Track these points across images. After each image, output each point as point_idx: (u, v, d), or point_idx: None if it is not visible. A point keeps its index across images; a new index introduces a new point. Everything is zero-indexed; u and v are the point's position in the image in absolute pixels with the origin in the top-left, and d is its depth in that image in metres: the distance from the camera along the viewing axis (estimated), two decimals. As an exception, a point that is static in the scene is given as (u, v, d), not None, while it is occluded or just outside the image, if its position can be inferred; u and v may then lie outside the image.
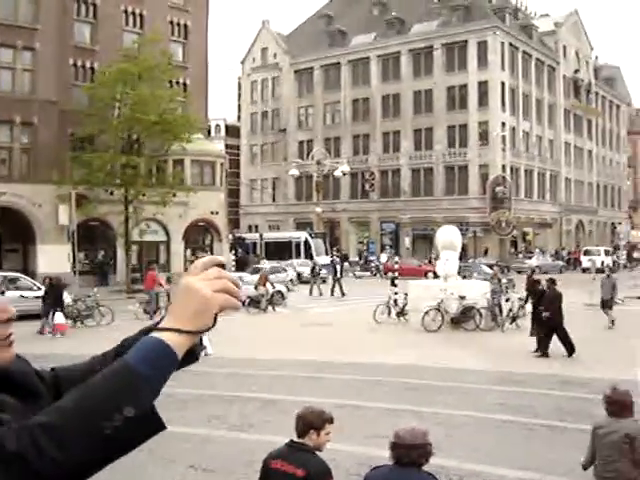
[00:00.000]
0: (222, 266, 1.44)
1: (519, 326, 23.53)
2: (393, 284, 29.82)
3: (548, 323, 18.06)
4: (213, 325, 1.38)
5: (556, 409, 11.58)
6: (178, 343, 1.32)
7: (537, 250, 66.06)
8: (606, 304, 23.97)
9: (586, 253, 62.36)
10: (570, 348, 17.83)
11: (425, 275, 44.55)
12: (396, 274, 31.18)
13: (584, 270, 55.55)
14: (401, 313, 25.45)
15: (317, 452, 4.99)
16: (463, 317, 23.42)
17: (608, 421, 7.40)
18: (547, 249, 69.51)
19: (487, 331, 22.47)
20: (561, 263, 61.27)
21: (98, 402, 1.23)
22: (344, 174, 55.54)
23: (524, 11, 79.30)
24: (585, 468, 7.37)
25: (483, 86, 66.13)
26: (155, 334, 1.33)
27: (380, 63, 72.19)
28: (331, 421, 5.14)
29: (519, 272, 50.30)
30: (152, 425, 1.26)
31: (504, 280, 29.01)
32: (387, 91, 71.51)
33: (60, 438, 1.20)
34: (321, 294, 36.23)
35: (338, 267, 38.49)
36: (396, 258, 37.92)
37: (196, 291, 1.36)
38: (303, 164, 59.32)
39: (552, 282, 19.62)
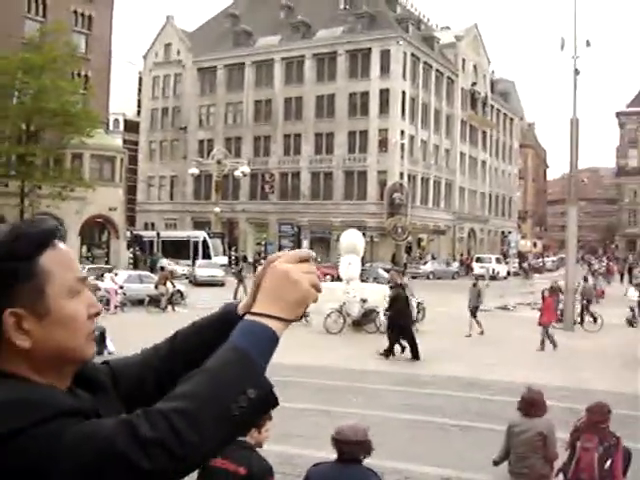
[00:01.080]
0: (307, 259, 1.52)
1: (417, 330, 24.14)
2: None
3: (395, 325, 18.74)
4: (302, 316, 1.49)
5: (463, 409, 12.01)
6: (279, 329, 1.41)
7: (429, 256, 67.74)
8: (472, 311, 24.27)
9: (478, 260, 64.42)
10: (415, 352, 18.39)
11: (324, 276, 44.87)
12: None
13: (476, 277, 57.18)
14: (303, 315, 25.62)
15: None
16: (364, 320, 23.82)
17: (522, 420, 7.78)
18: (440, 255, 71.40)
19: (373, 333, 22.83)
20: (454, 269, 62.90)
21: (225, 386, 1.31)
22: (244, 175, 55.33)
23: (426, 23, 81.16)
24: (497, 464, 7.72)
25: (384, 94, 67.22)
26: (257, 319, 1.41)
27: (284, 66, 72.46)
28: (270, 418, 5.23)
29: (414, 277, 51.38)
30: (270, 403, 1.36)
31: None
32: (290, 94, 71.87)
33: (196, 422, 1.26)
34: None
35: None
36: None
37: (298, 283, 1.44)
38: (203, 163, 58.80)
39: (398, 286, 20.31)
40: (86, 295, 1.50)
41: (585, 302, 29.09)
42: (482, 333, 23.64)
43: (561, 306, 27.14)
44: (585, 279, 32.36)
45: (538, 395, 7.86)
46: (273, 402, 1.36)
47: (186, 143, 77.04)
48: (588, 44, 26.31)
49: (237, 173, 53.49)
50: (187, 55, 77.87)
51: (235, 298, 32.63)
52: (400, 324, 18.63)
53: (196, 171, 55.45)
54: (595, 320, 26.84)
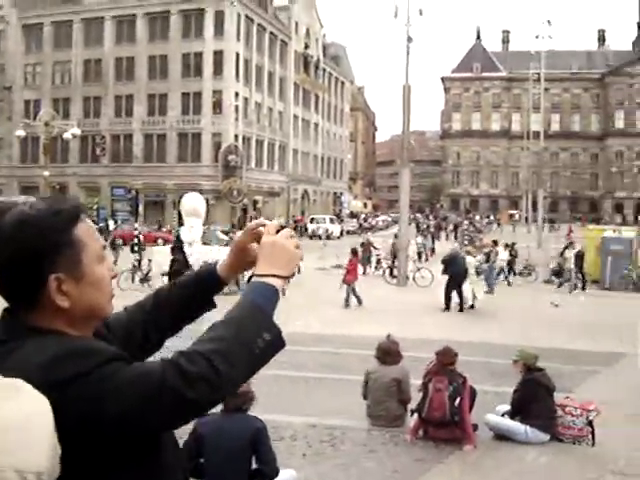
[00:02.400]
0: (283, 227, 1.94)
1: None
2: (133, 251, 29.90)
3: None
4: (294, 274, 1.88)
5: (317, 363, 12.70)
6: (279, 284, 1.79)
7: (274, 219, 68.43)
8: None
9: (312, 221, 65.91)
10: None
11: (155, 241, 43.90)
12: (136, 240, 31.30)
13: (311, 237, 58.62)
14: (145, 279, 25.53)
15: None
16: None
17: (379, 367, 8.49)
18: (281, 216, 72.23)
19: (231, 295, 23.14)
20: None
21: (247, 332, 1.65)
22: (74, 137, 53.36)
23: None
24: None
25: (218, 55, 66.48)
26: (262, 279, 1.78)
27: (115, 24, 70.01)
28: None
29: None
30: (280, 344, 1.71)
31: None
32: (121, 54, 69.58)
33: (228, 359, 1.59)
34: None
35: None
36: (136, 224, 37.69)
37: (286, 247, 1.84)
38: (30, 124, 56.18)
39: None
40: (107, 261, 1.82)
41: (393, 256, 30.78)
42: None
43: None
44: (396, 236, 33.92)
45: (394, 345, 8.59)
46: (282, 343, 1.73)
47: (11, 103, 73.04)
48: (421, 13, 27.49)
49: (66, 135, 51.42)
50: (11, 10, 73.18)
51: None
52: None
53: (22, 133, 52.82)
54: (394, 276, 28.34)
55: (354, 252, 22.94)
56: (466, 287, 21.20)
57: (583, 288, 27.03)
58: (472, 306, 21.55)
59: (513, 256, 31.04)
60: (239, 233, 2.20)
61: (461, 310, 20.85)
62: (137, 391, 1.54)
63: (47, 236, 1.64)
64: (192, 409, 1.61)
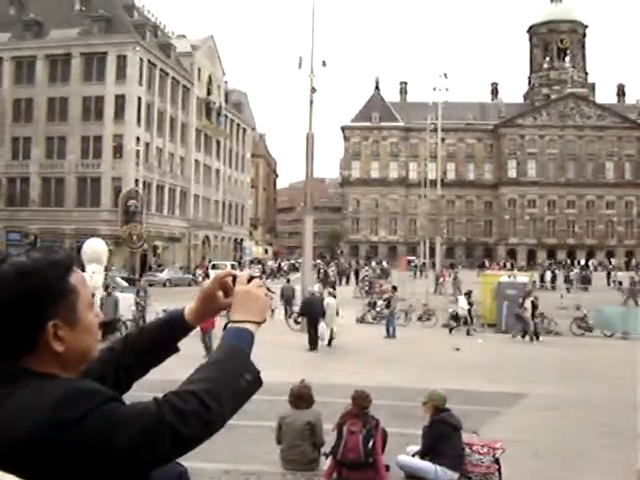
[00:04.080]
0: (253, 278, 2.11)
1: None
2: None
3: None
4: (265, 319, 2.06)
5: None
6: (254, 329, 1.98)
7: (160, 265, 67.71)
8: (111, 324, 22.39)
9: (214, 267, 65.48)
10: None
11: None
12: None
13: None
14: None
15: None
16: (108, 329, 23.61)
17: (292, 411, 8.61)
18: (176, 262, 71.68)
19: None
20: (191, 276, 63.38)
21: (232, 372, 1.82)
22: (-32, 179, 52.16)
23: (163, 29, 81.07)
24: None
25: (120, 99, 66.26)
26: (238, 325, 1.96)
27: (14, 65, 68.88)
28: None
29: (151, 285, 51.02)
30: (259, 384, 1.89)
31: (142, 293, 29.20)
32: (20, 95, 68.30)
33: (217, 398, 1.75)
34: None
35: None
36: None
37: (259, 296, 2.04)
38: None
39: None
40: (95, 307, 1.95)
41: (285, 301, 31.19)
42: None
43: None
44: (288, 281, 34.08)
45: (306, 389, 8.74)
46: (260, 383, 1.91)
47: None
48: (324, 64, 28.08)
49: (-40, 177, 50.22)
50: None
51: None
52: None
53: None
54: (297, 322, 28.36)
55: None
56: (322, 326, 22.44)
57: (537, 336, 26.64)
58: (329, 343, 22.75)
59: (471, 305, 30.03)
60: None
61: (315, 348, 21.74)
62: (139, 427, 1.66)
63: (46, 286, 1.76)
64: (187, 444, 1.72)
